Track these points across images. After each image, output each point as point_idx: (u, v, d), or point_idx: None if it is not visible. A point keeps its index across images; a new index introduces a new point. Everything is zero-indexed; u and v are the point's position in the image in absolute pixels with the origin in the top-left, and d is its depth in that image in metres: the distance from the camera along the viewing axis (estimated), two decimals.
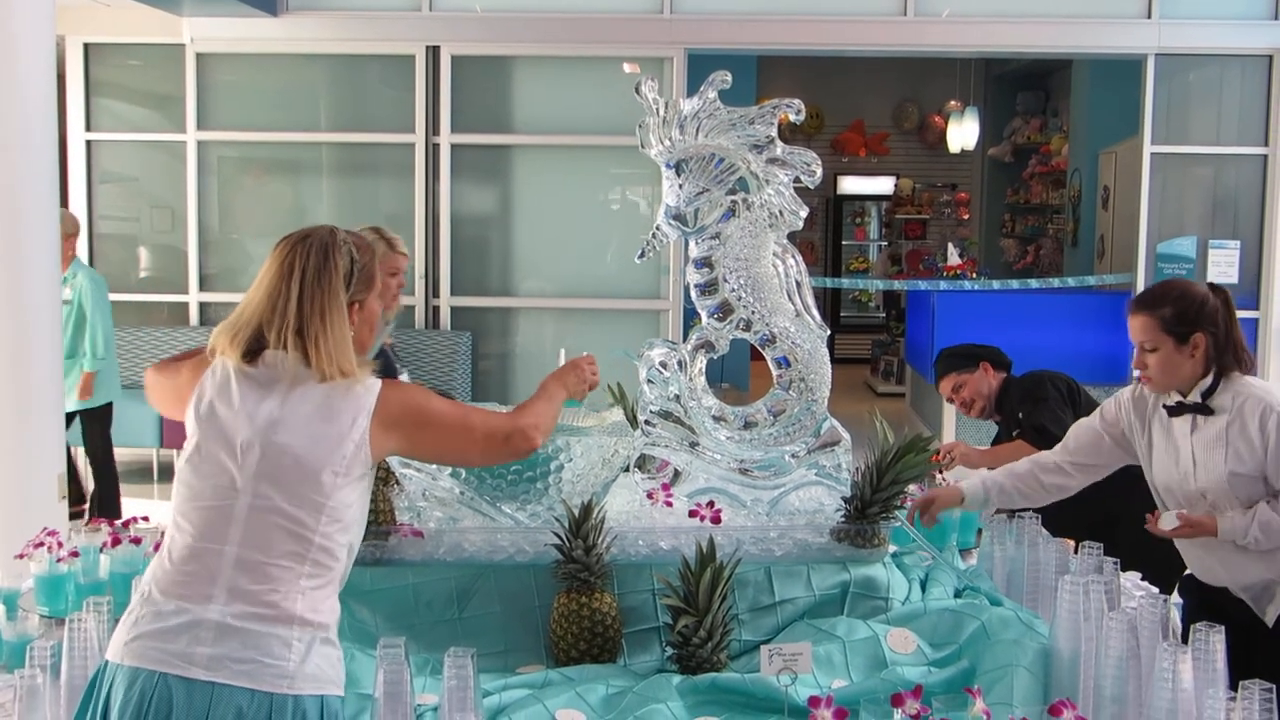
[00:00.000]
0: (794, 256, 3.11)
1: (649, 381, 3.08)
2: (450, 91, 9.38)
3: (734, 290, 3.04)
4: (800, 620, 2.87)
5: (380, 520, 2.89)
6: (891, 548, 3.38)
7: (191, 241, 9.65)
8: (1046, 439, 4.36)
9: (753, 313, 3.05)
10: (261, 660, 2.20)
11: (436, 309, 9.57)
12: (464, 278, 9.62)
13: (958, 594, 3.07)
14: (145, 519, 3.54)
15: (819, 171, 3.05)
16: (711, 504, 2.97)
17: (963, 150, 15.13)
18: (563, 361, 3.13)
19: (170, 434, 8.84)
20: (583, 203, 9.62)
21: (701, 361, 3.09)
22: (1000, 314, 9.92)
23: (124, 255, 9.92)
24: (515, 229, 9.66)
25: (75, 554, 3.18)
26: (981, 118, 15.09)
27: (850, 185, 16.09)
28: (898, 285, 11.25)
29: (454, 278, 9.58)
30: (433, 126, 9.40)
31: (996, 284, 10.22)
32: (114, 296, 9.68)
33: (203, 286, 9.72)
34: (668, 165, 3.04)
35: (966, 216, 16.17)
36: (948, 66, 15.12)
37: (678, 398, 3.08)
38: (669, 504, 3.01)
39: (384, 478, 3.17)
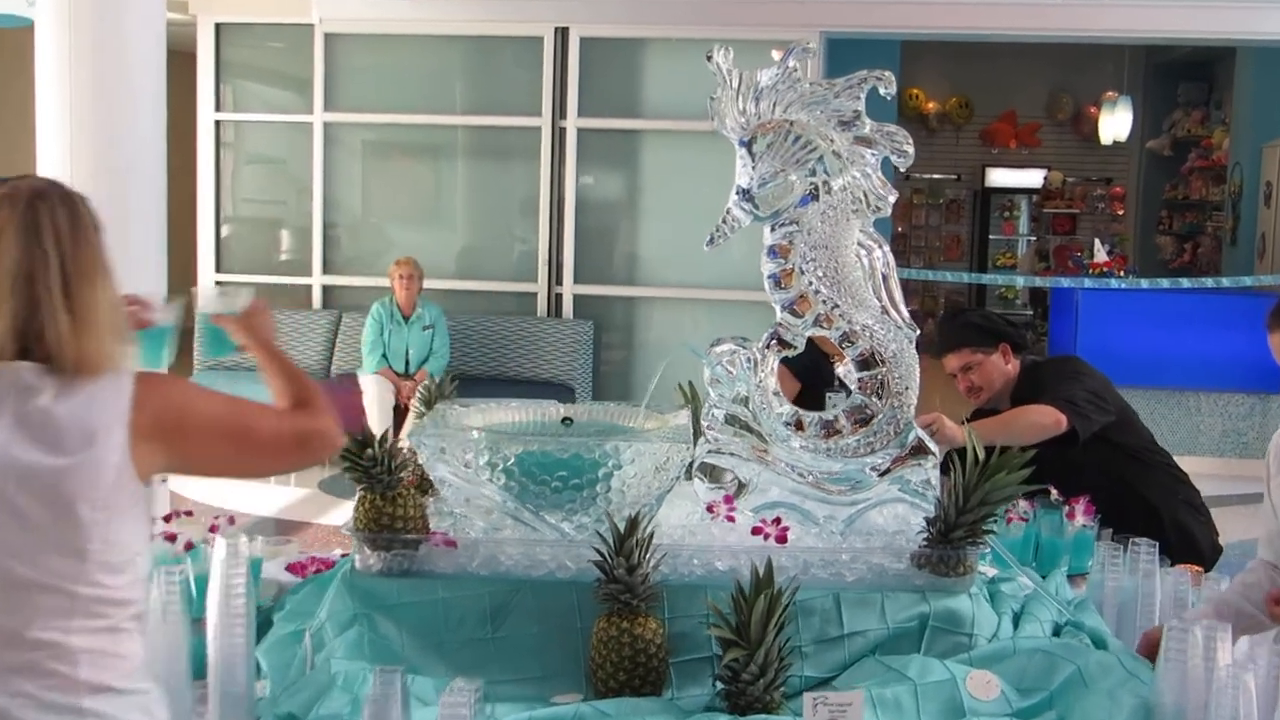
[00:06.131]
0: (882, 248, 2.79)
1: (715, 381, 2.78)
2: (578, 74, 9.16)
3: (811, 283, 2.73)
4: (870, 656, 2.55)
5: (410, 528, 2.65)
6: (990, 570, 3.04)
7: (316, 224, 9.58)
8: (1078, 415, 3.89)
9: (832, 308, 2.73)
10: None
11: (559, 296, 9.38)
12: (588, 265, 9.41)
13: (1056, 631, 2.72)
14: (189, 513, 3.35)
15: (911, 151, 2.72)
16: (778, 520, 2.67)
17: (1116, 142, 14.46)
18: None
19: None
20: (711, 191, 9.30)
21: (773, 361, 2.79)
22: (1149, 315, 9.38)
23: (255, 237, 9.94)
24: (641, 217, 9.41)
25: None
26: (1141, 109, 14.43)
27: (999, 177, 15.53)
28: (1039, 282, 10.76)
29: (577, 265, 9.36)
30: (560, 110, 9.20)
31: (1145, 283, 9.65)
32: (241, 278, 9.74)
33: (326, 269, 9.65)
34: (740, 143, 2.74)
35: (1121, 212, 15.49)
36: (1106, 54, 14.45)
37: (746, 400, 2.78)
38: (730, 519, 2.71)
39: (419, 484, 2.93)
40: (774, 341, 2.78)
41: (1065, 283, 9.78)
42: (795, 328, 2.76)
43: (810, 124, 2.71)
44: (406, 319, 8.61)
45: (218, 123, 9.60)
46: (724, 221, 2.77)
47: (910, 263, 15.43)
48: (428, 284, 8.78)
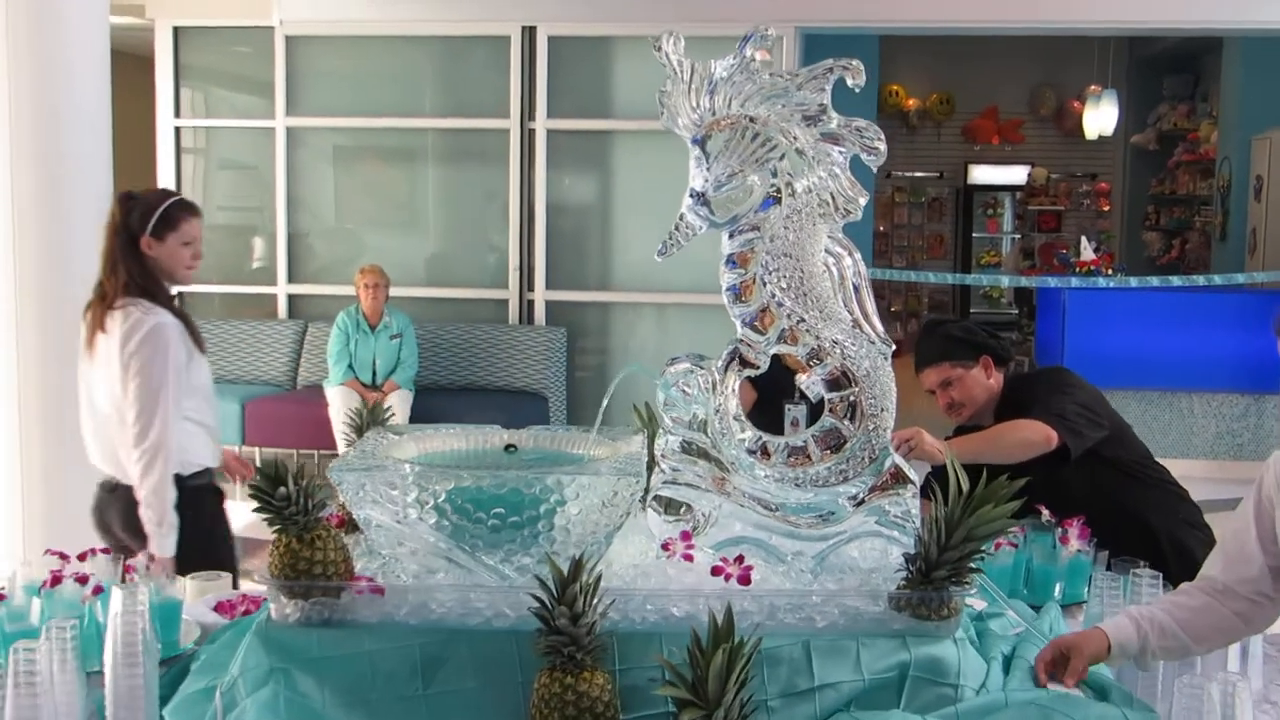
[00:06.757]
0: (852, 255, 2.52)
1: (669, 405, 2.51)
2: (547, 74, 8.88)
3: (774, 295, 2.46)
4: (844, 711, 2.28)
5: (331, 573, 2.37)
6: (979, 604, 2.78)
7: (280, 231, 9.29)
8: (1070, 431, 3.63)
9: (798, 322, 2.46)
10: None
11: (531, 303, 9.11)
12: (560, 270, 9.13)
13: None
14: (106, 551, 3.08)
15: (883, 148, 2.45)
16: (740, 559, 2.40)
17: (1101, 137, 14.23)
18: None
19: (252, 431, 8.49)
20: (685, 193, 9.02)
21: (734, 381, 2.51)
22: (1138, 314, 9.13)
23: (219, 246, 9.64)
24: (614, 220, 9.14)
25: (1, 597, 2.72)
26: (1125, 103, 14.20)
27: (982, 175, 15.30)
28: (1024, 281, 10.50)
29: (549, 271, 9.09)
30: (528, 111, 8.92)
31: (1134, 281, 9.40)
32: (204, 288, 9.44)
33: (291, 278, 9.36)
34: (694, 141, 2.47)
35: (1107, 208, 15.26)
36: (1088, 48, 14.22)
37: (704, 425, 2.51)
38: (688, 557, 2.44)
39: (348, 521, 2.67)
40: (734, 361, 2.51)
41: (1052, 282, 9.53)
42: (758, 345, 2.49)
43: (771, 119, 2.44)
44: (373, 328, 8.34)
45: (178, 129, 9.31)
46: (676, 229, 2.50)
47: (893, 262, 15.21)
48: (396, 291, 8.52)
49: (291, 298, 9.35)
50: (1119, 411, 3.99)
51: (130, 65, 10.75)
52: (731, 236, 2.49)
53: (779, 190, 2.45)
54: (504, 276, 9.11)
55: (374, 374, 8.34)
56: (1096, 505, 3.48)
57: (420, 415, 8.29)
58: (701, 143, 2.45)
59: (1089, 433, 3.66)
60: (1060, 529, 3.31)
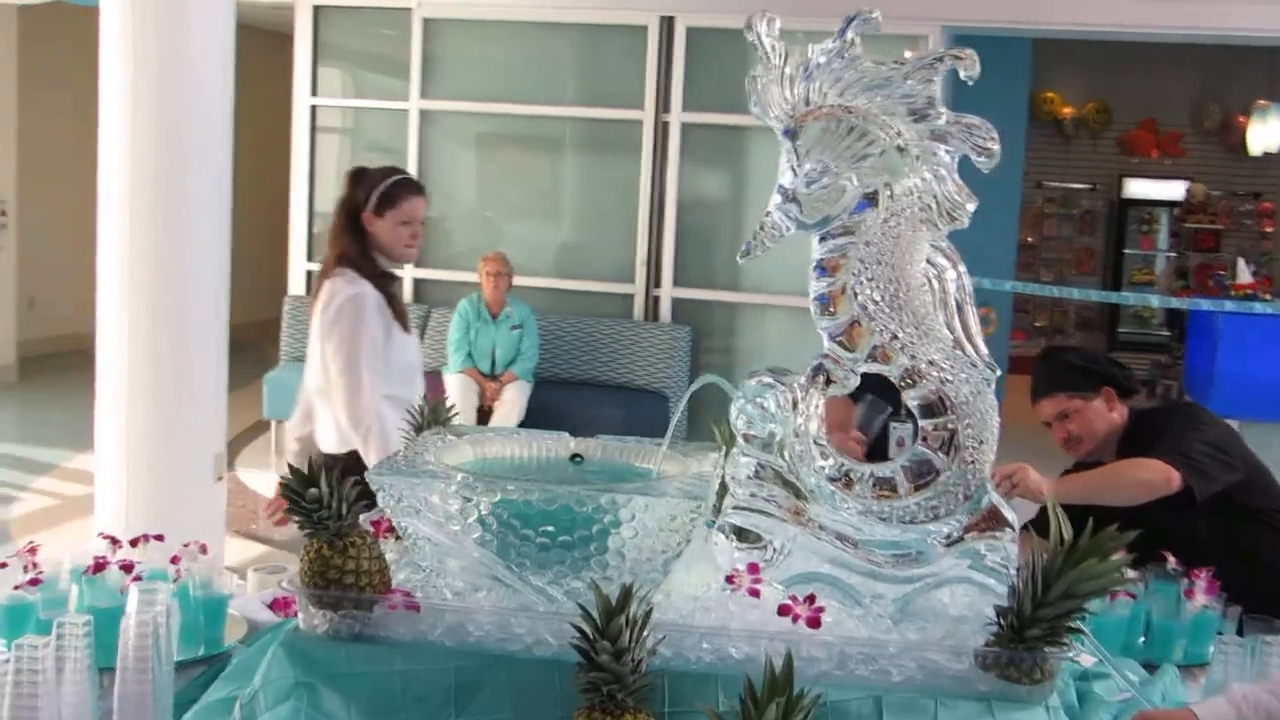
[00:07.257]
0: (958, 268, 2.25)
1: (745, 423, 2.28)
2: (684, 66, 8.66)
3: (865, 307, 2.20)
4: None
5: (364, 584, 2.19)
6: (1087, 659, 2.50)
7: None
8: (1194, 471, 3.28)
9: (890, 339, 2.20)
10: None
11: (656, 299, 8.91)
12: (688, 268, 8.91)
13: None
14: (159, 538, 2.95)
15: (996, 149, 2.17)
16: (811, 599, 2.16)
17: (1266, 154, 13.54)
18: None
19: None
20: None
21: (817, 400, 2.27)
22: None
23: None
24: (746, 218, 8.88)
25: (37, 581, 2.60)
26: None
27: (1137, 188, 14.67)
28: (1175, 303, 9.98)
29: (677, 267, 8.88)
30: (663, 103, 8.72)
31: None
32: None
33: (418, 262, 9.26)
34: (785, 132, 2.24)
35: (1270, 229, 14.53)
36: (1255, 59, 13.52)
37: (782, 447, 2.27)
38: (755, 592, 2.21)
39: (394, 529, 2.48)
40: (819, 378, 2.26)
41: (1205, 304, 9.04)
42: (845, 362, 2.24)
43: (871, 112, 2.19)
44: (494, 317, 8.22)
45: (314, 108, 9.30)
46: (761, 228, 2.27)
47: (1039, 276, 14.68)
48: (522, 281, 8.39)
49: (417, 282, 9.27)
50: (1269, 446, 3.65)
51: (272, 43, 10.84)
52: (822, 240, 2.25)
53: (875, 191, 2.20)
54: (630, 271, 8.93)
55: (493, 364, 8.22)
56: (1229, 556, 3.15)
57: (538, 408, 8.15)
58: (792, 135, 2.22)
59: (1217, 474, 3.33)
60: (1186, 580, 2.99)
